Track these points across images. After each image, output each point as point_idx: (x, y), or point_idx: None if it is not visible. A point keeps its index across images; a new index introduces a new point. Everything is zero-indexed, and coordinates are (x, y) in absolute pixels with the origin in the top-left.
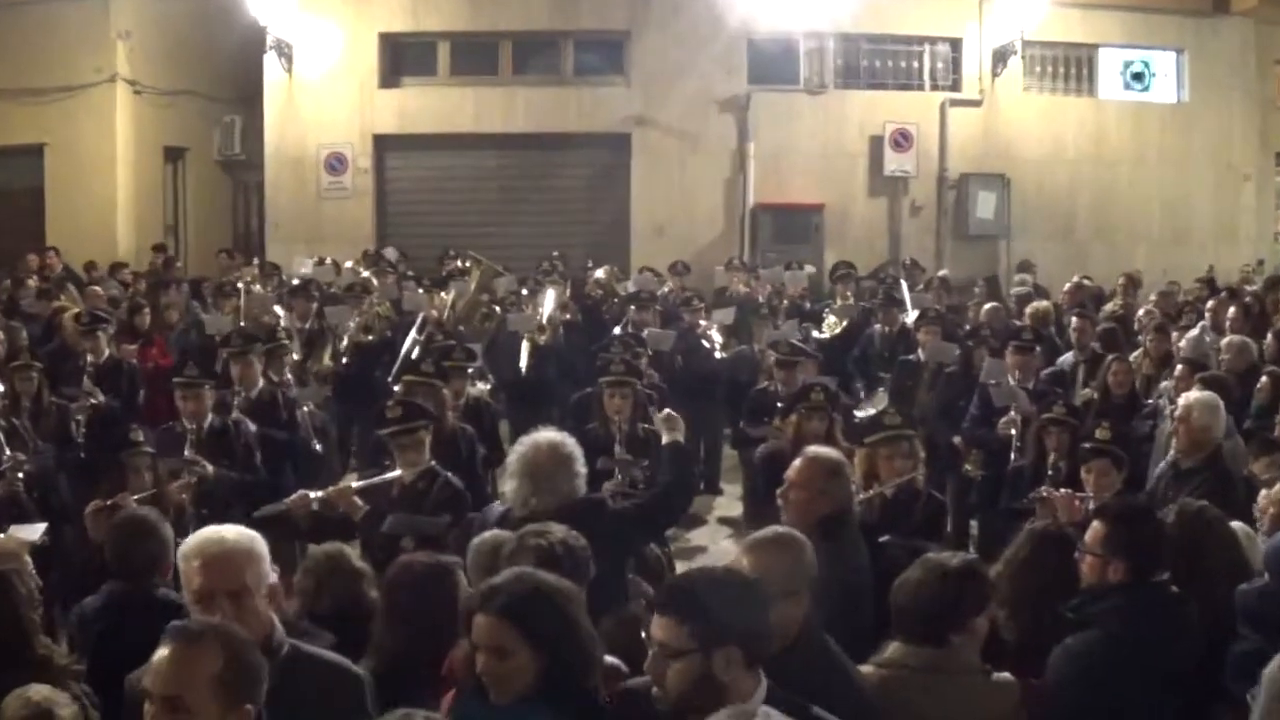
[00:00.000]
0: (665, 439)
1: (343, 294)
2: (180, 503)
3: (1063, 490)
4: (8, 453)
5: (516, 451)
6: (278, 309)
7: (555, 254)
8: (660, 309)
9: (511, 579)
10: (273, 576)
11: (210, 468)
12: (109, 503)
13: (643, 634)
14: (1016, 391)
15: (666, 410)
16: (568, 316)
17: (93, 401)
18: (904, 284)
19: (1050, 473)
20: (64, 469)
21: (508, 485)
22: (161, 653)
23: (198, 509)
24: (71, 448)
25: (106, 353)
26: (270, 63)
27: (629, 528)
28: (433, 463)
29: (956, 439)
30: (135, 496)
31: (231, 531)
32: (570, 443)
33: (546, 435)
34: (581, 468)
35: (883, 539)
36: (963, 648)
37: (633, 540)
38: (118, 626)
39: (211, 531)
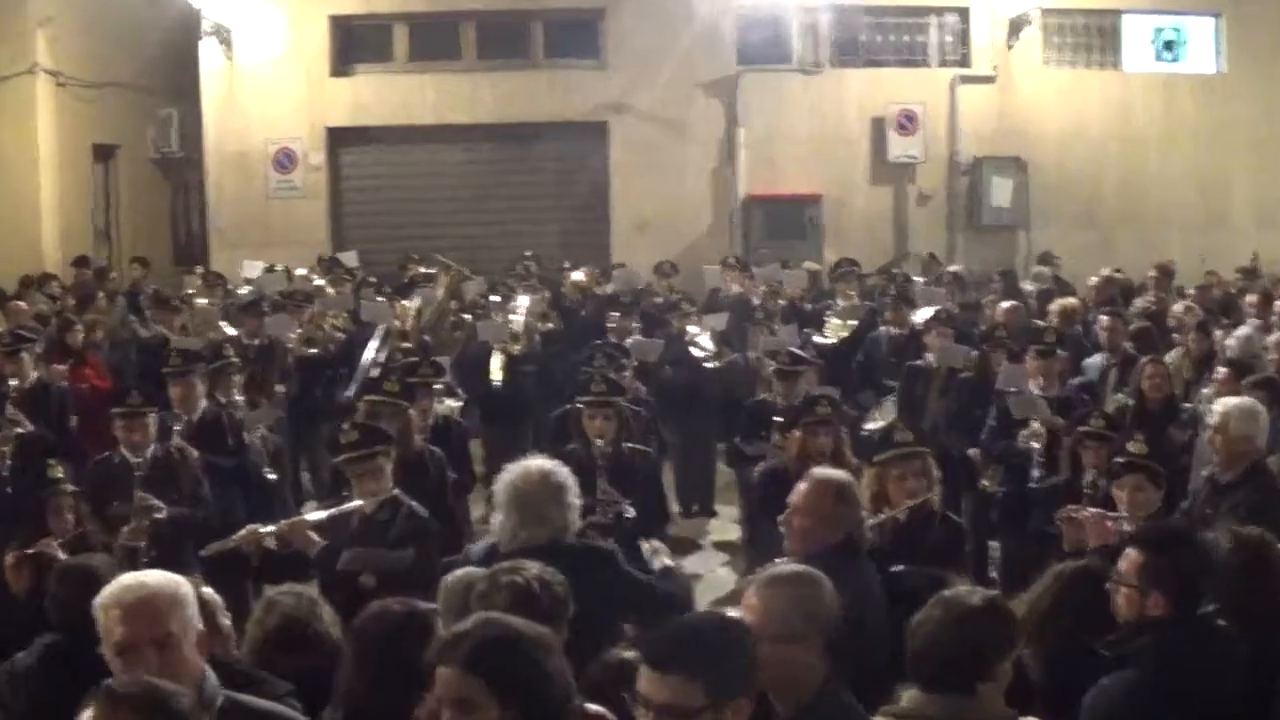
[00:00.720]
0: (657, 566)
1: (283, 301)
2: (134, 549)
3: (1092, 510)
4: None
5: (504, 480)
6: (224, 324)
7: (528, 255)
8: (645, 313)
9: (477, 625)
10: (200, 623)
11: (164, 509)
12: (29, 551)
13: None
14: (1037, 401)
15: (654, 542)
16: (548, 325)
17: (18, 431)
18: (918, 280)
19: (1087, 491)
20: None
21: (494, 518)
22: (86, 717)
23: (148, 552)
24: None
25: (33, 375)
26: (208, 50)
27: (638, 597)
28: (396, 491)
29: (973, 451)
30: (58, 541)
31: (152, 576)
32: (563, 472)
33: (537, 463)
34: (575, 498)
35: (896, 568)
36: (989, 695)
37: (633, 609)
38: (55, 686)
39: (130, 578)
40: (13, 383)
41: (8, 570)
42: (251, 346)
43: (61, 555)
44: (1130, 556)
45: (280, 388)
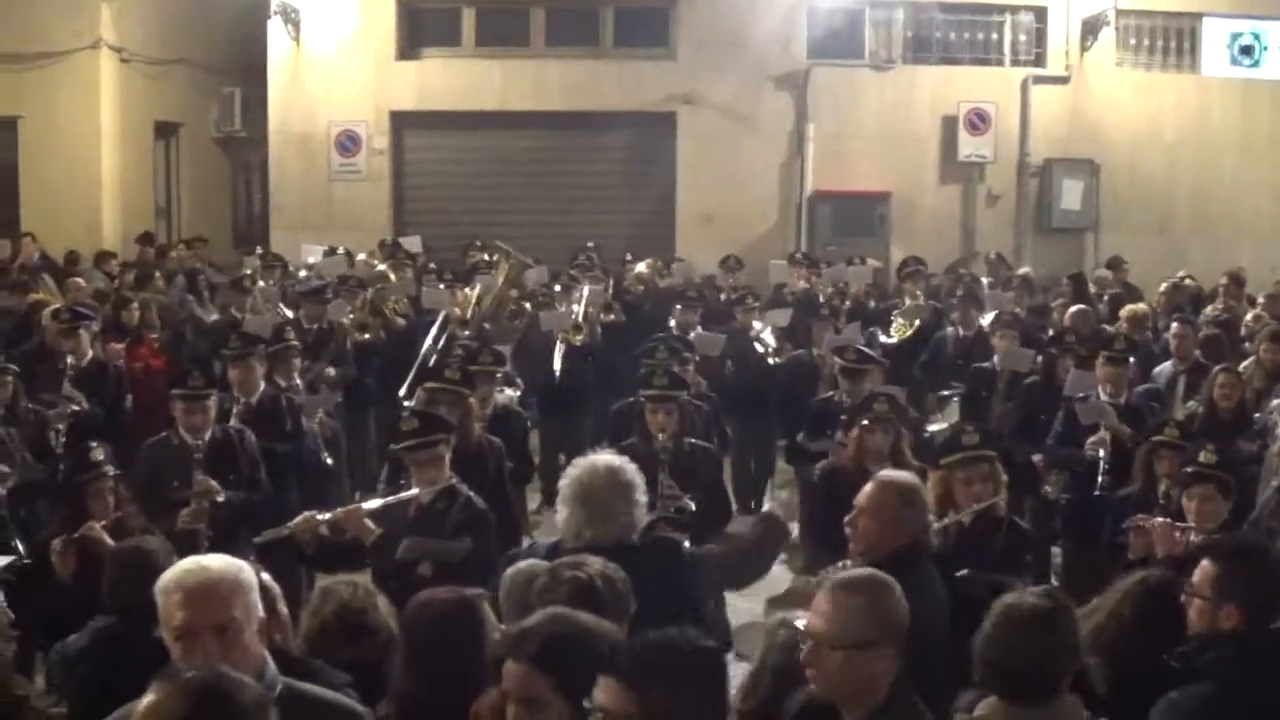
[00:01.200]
0: None
1: (336, 286)
2: (194, 531)
3: (1160, 519)
4: None
5: (570, 475)
6: (282, 306)
7: (590, 245)
8: (707, 307)
9: (545, 621)
10: (261, 610)
11: (224, 492)
12: (75, 535)
13: None
14: (1106, 408)
15: None
16: (609, 317)
17: (73, 409)
18: (984, 280)
19: (1161, 501)
20: (42, 486)
21: (559, 513)
22: (147, 702)
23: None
24: (50, 461)
25: (90, 354)
26: (275, 30)
27: (706, 573)
28: (454, 480)
29: (1037, 457)
30: (100, 524)
31: (215, 560)
32: (630, 469)
33: (604, 459)
34: (642, 496)
35: (960, 573)
36: (1068, 704)
37: (706, 589)
38: (107, 669)
39: (191, 561)
40: (70, 360)
41: (54, 555)
42: (311, 331)
43: (107, 540)
44: (1205, 568)
45: (331, 371)
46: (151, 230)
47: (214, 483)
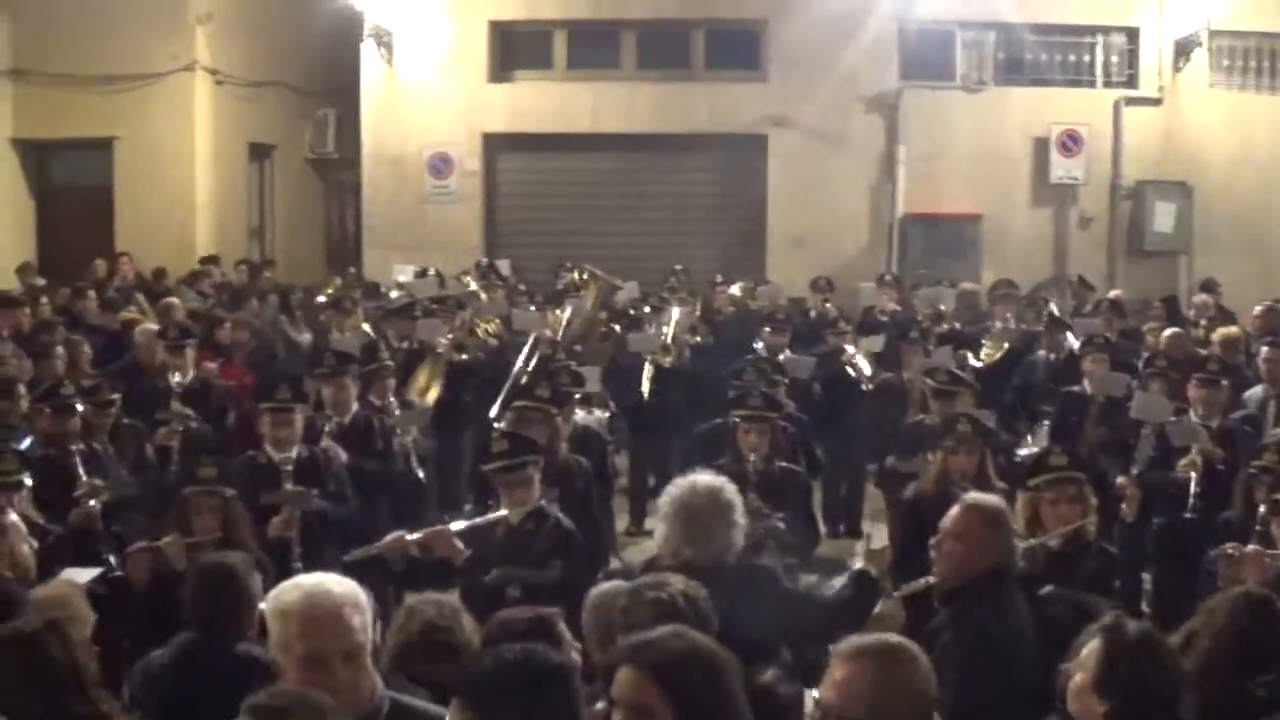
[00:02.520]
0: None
1: (433, 306)
2: (285, 540)
3: (1252, 547)
4: (84, 478)
5: (670, 494)
6: (365, 326)
7: (679, 267)
8: (793, 330)
9: (667, 634)
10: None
11: (314, 497)
12: (152, 545)
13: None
14: (1199, 429)
15: None
16: (696, 339)
17: (185, 426)
18: (1053, 305)
19: (1259, 528)
20: (144, 500)
21: (657, 530)
22: None
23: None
24: (149, 476)
25: (193, 372)
26: (368, 53)
27: (802, 613)
28: (542, 502)
29: (1121, 480)
30: (190, 540)
31: (334, 582)
32: (730, 489)
33: (705, 479)
34: (740, 517)
35: (1044, 590)
36: None
37: (800, 628)
38: (190, 686)
39: (313, 583)
40: (175, 378)
41: (127, 562)
42: (400, 350)
43: (182, 558)
44: None
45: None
46: (242, 254)
47: (304, 489)
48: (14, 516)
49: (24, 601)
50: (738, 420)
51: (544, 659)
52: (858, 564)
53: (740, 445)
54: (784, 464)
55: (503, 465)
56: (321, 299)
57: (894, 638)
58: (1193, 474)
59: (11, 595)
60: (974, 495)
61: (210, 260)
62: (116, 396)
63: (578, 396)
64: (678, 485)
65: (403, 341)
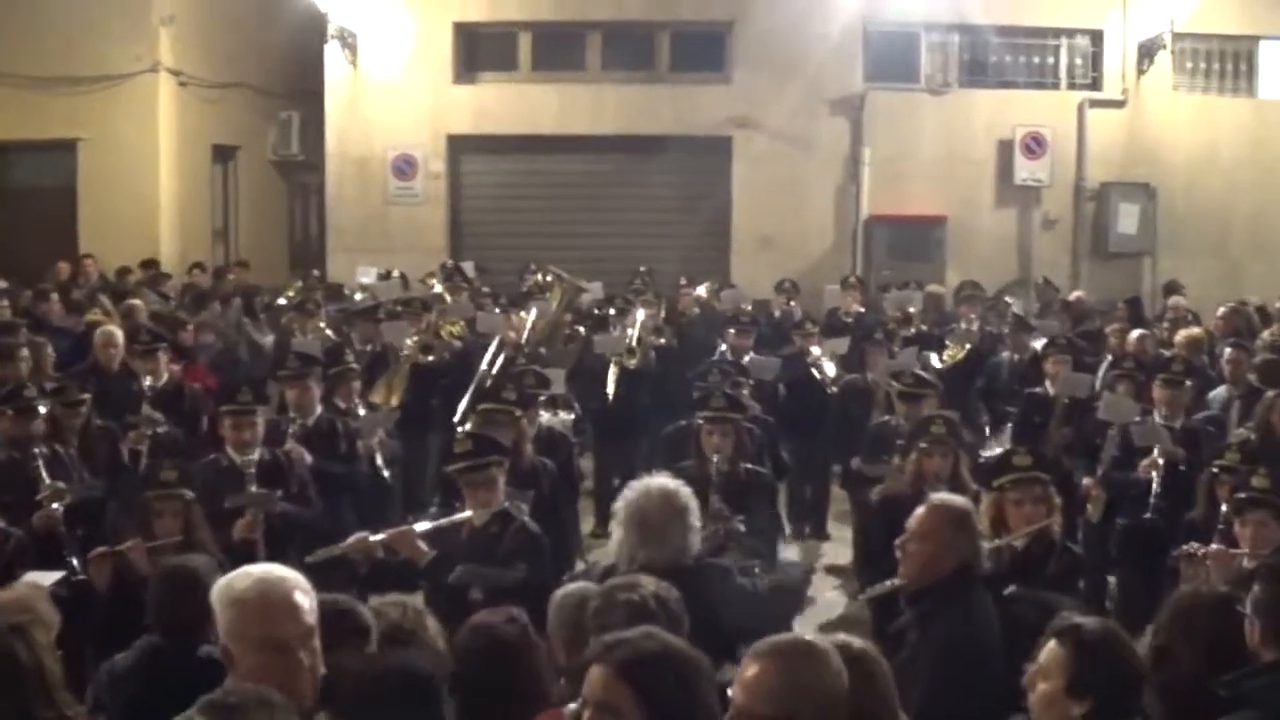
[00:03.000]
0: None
1: (400, 308)
2: (250, 543)
3: (1215, 546)
4: (46, 481)
5: (625, 498)
6: (324, 327)
7: (643, 269)
8: (758, 331)
9: (640, 635)
10: None
11: (278, 500)
12: (114, 549)
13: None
14: (1160, 430)
15: None
16: (661, 340)
17: (155, 430)
18: (1015, 306)
19: (1221, 527)
20: (117, 502)
21: (613, 535)
22: None
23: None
24: (123, 477)
25: (165, 375)
26: (332, 54)
27: (750, 610)
28: (507, 504)
29: (1086, 481)
30: (152, 544)
31: (280, 569)
32: (685, 493)
33: (659, 482)
34: (696, 520)
35: (1008, 590)
36: None
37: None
38: (153, 689)
39: (262, 570)
40: (147, 381)
41: (90, 566)
42: (364, 352)
43: (145, 562)
44: (1254, 592)
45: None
46: (203, 257)
47: (267, 491)
48: None
49: None
50: (702, 422)
51: (412, 669)
52: (823, 563)
53: (704, 447)
54: (749, 466)
55: (467, 466)
56: (283, 301)
57: (806, 637)
58: (1154, 475)
59: None
60: (940, 496)
61: (150, 264)
62: (86, 396)
63: (543, 398)
64: (633, 489)
65: (367, 344)
